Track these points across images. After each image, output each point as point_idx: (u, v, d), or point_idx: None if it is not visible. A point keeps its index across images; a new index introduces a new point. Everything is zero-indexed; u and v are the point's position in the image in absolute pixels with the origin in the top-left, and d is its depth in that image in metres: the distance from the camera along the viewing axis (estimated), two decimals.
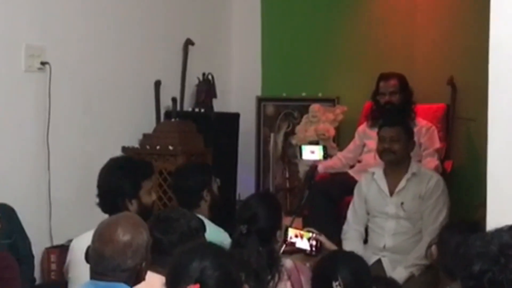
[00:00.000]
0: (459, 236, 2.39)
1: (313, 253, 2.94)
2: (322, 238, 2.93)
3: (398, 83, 4.23)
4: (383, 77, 4.27)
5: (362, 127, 4.35)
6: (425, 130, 4.11)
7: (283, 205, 4.44)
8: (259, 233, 2.59)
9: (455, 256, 2.26)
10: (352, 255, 2.27)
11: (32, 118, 3.91)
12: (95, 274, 2.02)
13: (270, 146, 5.06)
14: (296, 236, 3.01)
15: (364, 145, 4.32)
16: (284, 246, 2.86)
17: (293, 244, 3.04)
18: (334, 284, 2.01)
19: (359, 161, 4.35)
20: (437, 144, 4.14)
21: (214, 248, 1.88)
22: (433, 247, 2.43)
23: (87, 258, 2.06)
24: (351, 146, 4.38)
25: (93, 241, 2.05)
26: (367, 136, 4.27)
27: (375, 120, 4.15)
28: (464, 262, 1.71)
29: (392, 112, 4.10)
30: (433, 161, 3.99)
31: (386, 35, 4.87)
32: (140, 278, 2.07)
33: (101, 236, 2.04)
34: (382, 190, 3.65)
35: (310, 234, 2.95)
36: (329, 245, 2.91)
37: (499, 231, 1.66)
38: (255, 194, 2.87)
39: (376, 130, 3.97)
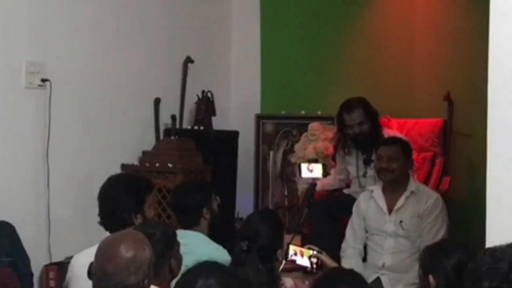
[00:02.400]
0: (453, 259, 2.39)
1: (314, 270, 2.93)
2: (323, 256, 2.93)
3: (363, 112, 4.02)
4: (345, 109, 4.05)
5: (339, 154, 4.24)
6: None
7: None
8: (260, 251, 2.58)
9: (456, 274, 2.26)
10: (351, 272, 2.27)
11: (32, 135, 3.92)
12: None
13: (269, 164, 5.07)
14: (296, 253, 3.01)
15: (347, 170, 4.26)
16: (284, 263, 2.86)
17: (293, 261, 3.04)
18: None
19: (347, 185, 4.31)
20: None
21: (219, 267, 1.90)
22: (430, 277, 2.40)
23: (90, 275, 2.06)
24: (338, 167, 4.28)
25: (96, 257, 2.05)
26: (347, 162, 4.19)
27: (349, 148, 4.08)
28: (473, 277, 1.71)
29: (367, 141, 3.99)
30: None
31: (384, 51, 4.90)
32: None
33: (104, 252, 2.04)
34: (380, 208, 3.66)
35: (311, 252, 2.95)
36: (330, 263, 2.91)
37: (509, 248, 1.66)
38: (257, 212, 2.88)
39: (352, 157, 3.96)
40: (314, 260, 2.92)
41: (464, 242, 2.61)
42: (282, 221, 2.95)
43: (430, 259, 2.44)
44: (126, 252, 2.01)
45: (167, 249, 2.46)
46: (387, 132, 4.09)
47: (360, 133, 4.02)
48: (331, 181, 4.31)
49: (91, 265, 2.07)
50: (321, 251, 2.95)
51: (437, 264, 2.38)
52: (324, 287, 2.08)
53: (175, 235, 2.55)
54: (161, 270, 2.40)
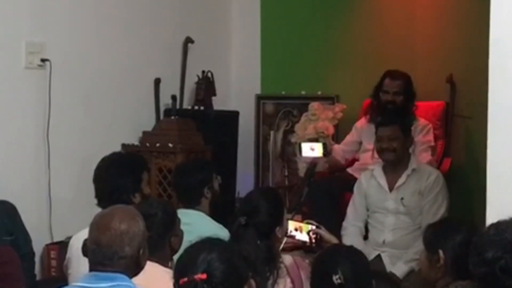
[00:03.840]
0: (461, 234, 2.40)
1: (313, 245, 2.93)
2: (322, 231, 2.93)
3: (403, 84, 4.17)
4: (389, 75, 4.21)
5: (360, 123, 4.36)
6: (421, 127, 4.12)
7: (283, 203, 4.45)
8: (258, 227, 2.58)
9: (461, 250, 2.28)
10: (351, 249, 2.28)
11: (33, 115, 3.92)
12: (94, 265, 2.04)
13: (270, 144, 5.07)
14: (296, 229, 3.02)
15: (360, 143, 4.33)
16: (285, 241, 2.87)
17: (292, 237, 3.05)
18: (334, 277, 2.02)
19: (357, 160, 4.36)
20: (432, 142, 4.15)
21: (222, 243, 1.93)
22: (441, 252, 2.40)
23: (84, 251, 2.08)
24: (348, 139, 4.40)
25: (90, 231, 2.07)
26: (364, 134, 4.27)
27: (375, 115, 4.14)
28: (478, 249, 1.75)
29: (392, 112, 4.08)
30: (427, 156, 4.00)
31: (385, 33, 4.88)
32: (139, 267, 2.08)
33: (98, 226, 2.07)
34: (381, 186, 3.67)
35: (310, 227, 2.95)
36: (329, 237, 2.90)
37: None
38: (257, 189, 2.90)
39: (373, 126, 3.98)
40: (313, 235, 2.92)
41: (468, 219, 2.62)
42: (282, 199, 2.95)
43: (437, 236, 2.45)
44: (119, 223, 2.04)
45: (168, 228, 2.48)
46: (419, 121, 4.13)
47: (392, 102, 4.12)
48: (337, 159, 4.34)
49: (85, 242, 2.09)
50: (319, 226, 2.95)
51: (445, 240, 2.39)
52: (325, 264, 2.10)
53: (175, 212, 2.57)
54: (162, 249, 2.41)
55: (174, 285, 1.84)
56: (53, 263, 3.92)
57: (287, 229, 2.95)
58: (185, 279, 1.77)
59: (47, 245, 3.95)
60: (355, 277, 2.04)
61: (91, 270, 2.05)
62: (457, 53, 4.47)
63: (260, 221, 2.61)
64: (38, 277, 3.79)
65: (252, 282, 1.84)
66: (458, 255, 2.32)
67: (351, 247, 2.31)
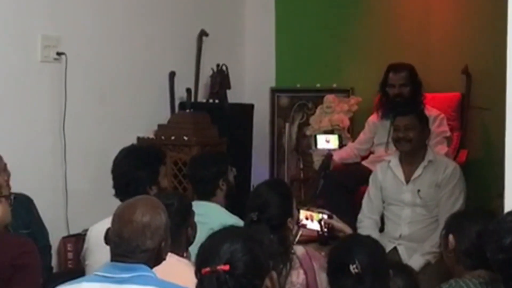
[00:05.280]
0: (478, 225, 2.39)
1: (325, 234, 2.92)
2: (333, 220, 2.92)
3: (408, 75, 4.18)
4: (393, 68, 4.22)
5: (373, 118, 4.35)
6: (434, 118, 4.10)
7: (298, 196, 4.46)
8: (270, 221, 2.57)
9: (478, 241, 2.28)
10: (368, 239, 2.28)
11: (49, 108, 3.94)
12: (116, 256, 2.04)
13: (285, 137, 5.07)
14: (307, 218, 3.01)
15: (374, 137, 4.31)
16: (299, 234, 2.86)
17: (304, 225, 3.04)
18: (351, 267, 2.01)
19: (372, 153, 4.35)
20: (447, 132, 4.13)
21: (245, 233, 1.93)
22: (451, 236, 2.42)
23: (107, 240, 2.09)
24: (361, 137, 4.38)
25: (113, 223, 2.07)
26: (377, 129, 4.26)
27: (386, 111, 4.13)
28: (495, 236, 1.74)
29: (402, 104, 4.07)
30: (443, 148, 3.99)
31: (400, 25, 4.86)
32: (160, 259, 2.09)
33: (120, 218, 2.06)
34: (398, 178, 3.65)
35: (321, 216, 2.94)
36: (341, 226, 2.89)
37: None
38: (265, 182, 2.87)
39: (386, 121, 3.96)
40: (324, 223, 2.91)
41: (489, 210, 2.61)
42: (290, 189, 2.94)
43: (455, 221, 2.45)
44: (142, 216, 2.03)
45: (184, 219, 2.49)
46: (429, 110, 4.10)
47: (400, 94, 4.13)
48: (349, 154, 4.33)
49: (108, 230, 2.09)
50: (331, 215, 2.94)
51: (461, 226, 2.39)
52: (342, 254, 2.09)
53: (190, 205, 2.57)
54: (178, 239, 2.42)
55: (196, 273, 1.83)
56: (70, 255, 3.94)
57: (298, 218, 2.94)
58: (208, 269, 1.77)
59: (63, 237, 3.97)
60: (372, 267, 2.04)
61: (112, 260, 2.06)
62: (472, 44, 4.44)
63: (271, 215, 2.60)
64: (54, 270, 3.82)
65: (274, 274, 1.83)
66: (474, 244, 2.31)
67: (368, 236, 2.30)
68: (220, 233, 1.88)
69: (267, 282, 1.80)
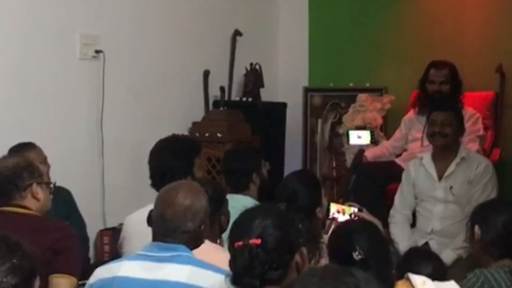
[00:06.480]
0: (504, 215, 2.41)
1: None
2: (364, 213, 2.95)
3: (449, 73, 4.18)
4: (435, 65, 4.22)
5: (409, 115, 4.36)
6: (469, 116, 4.09)
7: (330, 194, 4.48)
8: (298, 210, 2.58)
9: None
10: (361, 223, 2.31)
11: (87, 104, 4.04)
12: (157, 236, 2.12)
13: (317, 136, 5.10)
14: (339, 211, 3.04)
15: (409, 134, 4.33)
16: (329, 223, 2.89)
17: (335, 219, 3.07)
18: (354, 255, 2.03)
19: (405, 150, 4.36)
20: (480, 131, 4.12)
21: (277, 210, 1.98)
22: (476, 227, 2.44)
23: (149, 221, 2.16)
24: (397, 135, 4.39)
25: (156, 205, 2.15)
26: (413, 125, 4.27)
27: (424, 107, 4.14)
28: None
29: (440, 100, 4.09)
30: (474, 146, 3.98)
31: (434, 24, 4.85)
32: (199, 241, 2.15)
33: (164, 200, 2.14)
34: (430, 175, 3.66)
35: (352, 209, 2.97)
36: (371, 219, 2.91)
37: None
38: (293, 172, 2.91)
39: (423, 117, 3.97)
40: (355, 217, 2.94)
41: None
42: (318, 178, 2.97)
43: (481, 212, 2.47)
44: (184, 199, 2.11)
45: (218, 206, 2.54)
46: (465, 108, 4.11)
47: (439, 91, 4.13)
48: (383, 151, 4.34)
49: (150, 212, 2.17)
50: (361, 208, 2.97)
51: (487, 217, 2.41)
52: (342, 243, 2.11)
53: (224, 192, 2.63)
54: (212, 226, 2.48)
55: (229, 247, 1.90)
56: (106, 248, 4.03)
57: (328, 210, 2.97)
58: (240, 243, 1.83)
59: (100, 230, 4.07)
60: (373, 249, 2.05)
61: (154, 240, 2.13)
62: (506, 43, 4.42)
63: (300, 204, 2.63)
64: (91, 262, 3.91)
65: (304, 250, 1.88)
66: (500, 234, 2.33)
67: (367, 221, 2.32)
68: (253, 209, 1.95)
69: (297, 257, 1.85)
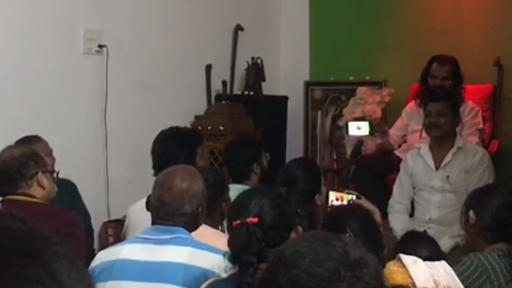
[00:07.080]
0: (498, 199, 2.46)
1: None
2: (362, 201, 3.00)
3: (451, 69, 4.21)
4: (437, 60, 4.24)
5: (410, 106, 4.40)
6: (469, 109, 4.15)
7: (331, 185, 4.53)
8: (298, 196, 2.62)
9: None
10: (350, 206, 2.37)
11: (90, 98, 4.10)
12: (156, 219, 2.19)
13: (318, 129, 5.15)
14: (337, 199, 3.09)
15: (408, 126, 4.38)
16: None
17: (333, 206, 3.12)
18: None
19: (404, 142, 4.41)
20: (480, 124, 4.18)
21: (274, 190, 2.07)
22: (471, 212, 2.49)
23: (148, 206, 2.23)
24: (398, 123, 4.43)
25: (154, 189, 2.22)
26: (413, 116, 4.32)
27: (424, 100, 4.18)
28: None
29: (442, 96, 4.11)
30: (474, 139, 4.03)
31: (433, 17, 4.90)
32: (197, 224, 2.22)
33: (161, 184, 2.21)
34: (428, 165, 3.72)
35: (350, 196, 3.02)
36: (369, 206, 2.97)
37: None
38: (294, 159, 2.97)
39: (423, 109, 4.03)
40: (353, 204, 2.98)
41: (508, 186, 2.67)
42: (318, 166, 3.02)
43: (475, 197, 2.52)
44: (181, 183, 2.18)
45: (219, 193, 2.61)
46: (467, 103, 4.15)
47: (440, 86, 4.15)
48: (387, 141, 4.39)
49: (149, 197, 2.23)
50: (360, 196, 3.02)
51: (481, 201, 2.46)
52: (331, 224, 2.18)
53: (225, 179, 2.69)
54: (213, 213, 2.54)
55: (228, 227, 1.97)
56: (111, 239, 4.08)
57: (327, 198, 3.02)
58: (238, 221, 1.90)
59: (104, 222, 4.13)
60: (363, 231, 2.10)
61: (153, 223, 2.20)
62: (504, 36, 4.47)
63: (299, 190, 2.69)
64: (96, 253, 3.97)
65: (299, 228, 1.95)
66: (494, 218, 2.38)
67: (358, 208, 2.37)
68: (251, 190, 2.04)
69: (293, 235, 1.91)
